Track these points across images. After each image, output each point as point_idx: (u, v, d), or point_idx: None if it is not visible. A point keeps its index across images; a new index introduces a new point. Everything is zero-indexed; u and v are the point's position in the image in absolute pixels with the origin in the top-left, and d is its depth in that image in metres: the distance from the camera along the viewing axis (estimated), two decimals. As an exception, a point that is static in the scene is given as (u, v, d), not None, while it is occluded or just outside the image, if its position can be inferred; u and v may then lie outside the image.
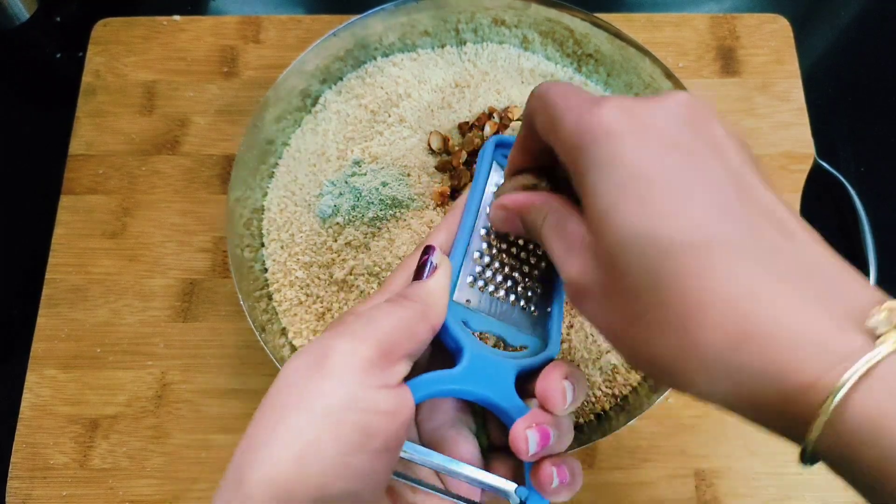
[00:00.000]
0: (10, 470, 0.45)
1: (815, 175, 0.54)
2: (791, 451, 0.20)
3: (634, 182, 0.21)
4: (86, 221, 0.52)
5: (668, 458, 0.46)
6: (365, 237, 0.45)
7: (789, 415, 0.19)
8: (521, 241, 0.33)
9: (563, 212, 0.26)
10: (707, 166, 0.22)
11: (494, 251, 0.32)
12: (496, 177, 0.34)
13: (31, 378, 0.48)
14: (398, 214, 0.45)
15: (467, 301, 0.30)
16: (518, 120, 0.48)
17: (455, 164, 0.46)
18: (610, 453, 0.46)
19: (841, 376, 0.18)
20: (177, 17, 0.59)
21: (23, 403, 0.47)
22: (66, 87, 0.56)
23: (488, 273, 0.31)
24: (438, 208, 0.46)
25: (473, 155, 0.47)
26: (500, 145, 0.34)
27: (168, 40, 0.58)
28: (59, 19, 0.60)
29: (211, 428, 0.46)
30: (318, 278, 0.46)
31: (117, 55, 0.57)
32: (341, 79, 0.52)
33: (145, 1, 0.61)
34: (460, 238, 0.31)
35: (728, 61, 0.57)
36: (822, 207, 0.54)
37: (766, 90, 0.56)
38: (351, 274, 0.44)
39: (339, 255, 0.45)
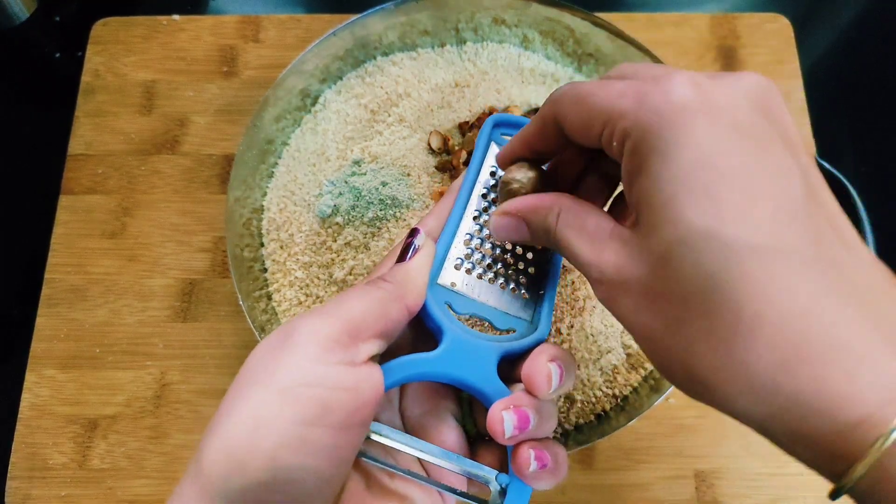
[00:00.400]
0: (9, 470, 0.45)
1: (816, 175, 0.54)
2: (791, 451, 0.20)
3: (702, 171, 0.20)
4: (85, 221, 0.52)
5: (668, 459, 0.46)
6: (365, 237, 0.45)
7: (832, 448, 0.18)
8: None
9: (580, 208, 0.25)
10: (779, 161, 0.20)
11: (486, 232, 0.31)
12: (493, 158, 0.33)
13: (30, 378, 0.48)
14: (398, 214, 0.45)
15: (452, 284, 0.30)
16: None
17: (455, 164, 0.46)
18: (609, 454, 0.46)
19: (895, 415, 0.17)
20: (176, 17, 0.59)
21: (22, 403, 0.47)
22: (66, 87, 0.56)
23: (477, 255, 0.31)
24: (438, 208, 0.46)
25: (473, 155, 0.47)
26: (499, 124, 0.33)
27: (167, 40, 0.58)
28: (58, 19, 0.60)
29: (210, 428, 0.46)
30: (318, 278, 0.45)
31: (117, 55, 0.57)
32: (341, 78, 0.52)
33: (145, 1, 0.61)
34: (451, 221, 0.31)
35: (729, 61, 0.57)
36: (823, 207, 0.54)
37: (766, 90, 0.56)
38: (350, 274, 0.44)
39: (338, 255, 0.45)
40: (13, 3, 0.59)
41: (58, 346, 0.48)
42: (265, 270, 0.47)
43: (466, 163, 0.46)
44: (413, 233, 0.29)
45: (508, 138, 0.33)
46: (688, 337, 0.20)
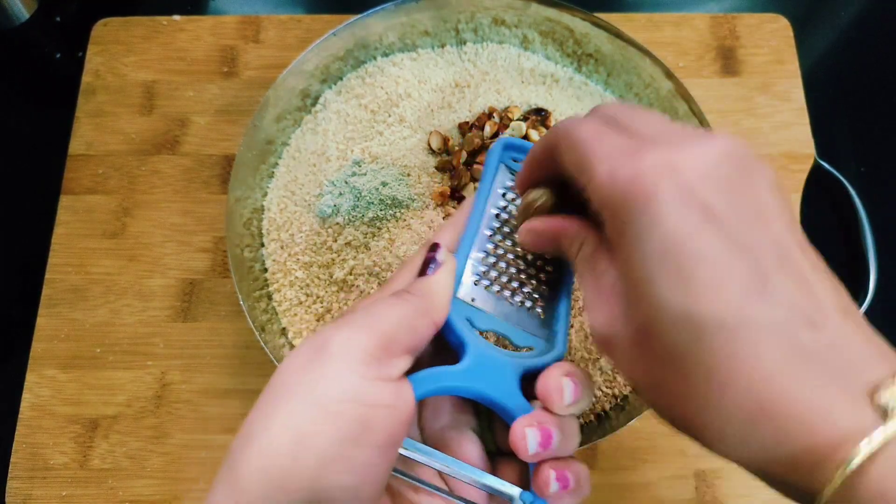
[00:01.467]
0: (9, 470, 0.45)
1: (815, 175, 0.54)
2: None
3: (674, 255, 0.21)
4: (85, 221, 0.52)
5: (669, 459, 0.46)
6: (365, 237, 0.45)
7: (802, 487, 0.20)
8: None
9: (597, 248, 0.26)
10: (749, 238, 0.21)
11: (501, 251, 0.32)
12: (502, 177, 0.33)
13: (30, 378, 0.48)
14: (398, 214, 0.45)
15: (472, 300, 0.30)
16: (518, 119, 0.48)
17: (455, 164, 0.46)
18: (610, 454, 0.46)
19: (850, 452, 0.19)
20: (177, 17, 0.59)
21: (22, 403, 0.47)
22: (66, 87, 0.56)
23: (494, 273, 0.31)
24: (438, 208, 0.46)
25: (473, 155, 0.47)
26: (509, 147, 0.34)
27: (168, 40, 0.58)
28: (58, 19, 0.60)
29: (211, 428, 0.46)
30: (318, 278, 0.45)
31: (117, 55, 0.57)
32: (341, 78, 0.52)
33: (145, 1, 0.61)
34: (466, 237, 0.31)
35: (728, 61, 0.57)
36: (822, 207, 0.54)
37: (766, 90, 0.56)
38: (351, 274, 0.44)
39: (339, 255, 0.45)
40: (13, 4, 0.59)
41: (58, 346, 0.48)
42: (265, 270, 0.47)
43: (466, 163, 0.46)
44: (434, 247, 0.29)
45: (516, 162, 0.34)
46: (668, 393, 0.23)
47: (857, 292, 0.50)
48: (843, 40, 0.61)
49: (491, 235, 0.32)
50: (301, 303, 0.46)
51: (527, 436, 0.25)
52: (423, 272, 0.28)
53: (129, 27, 0.58)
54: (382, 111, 0.50)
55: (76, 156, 0.54)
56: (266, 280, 0.47)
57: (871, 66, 0.60)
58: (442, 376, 0.27)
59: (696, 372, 0.21)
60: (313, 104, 0.51)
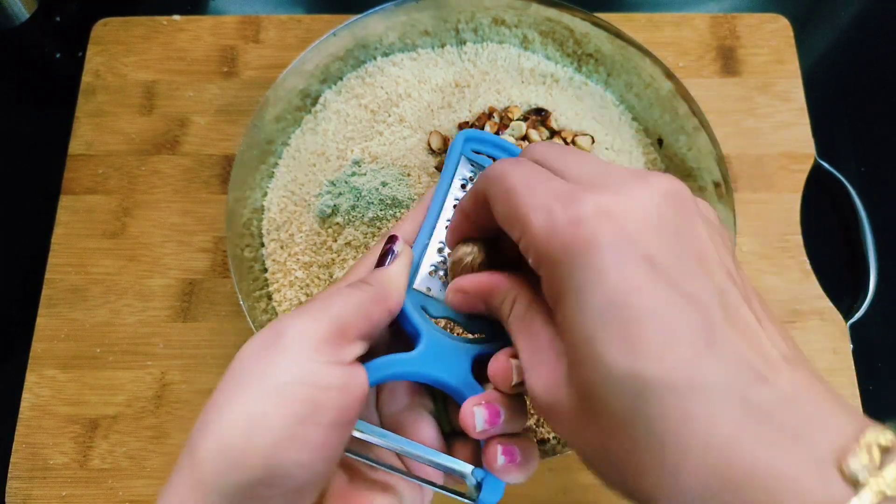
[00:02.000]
0: (9, 470, 0.45)
1: (815, 175, 0.54)
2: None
3: (617, 311, 0.20)
4: (85, 221, 0.52)
5: (669, 459, 0.46)
6: (365, 237, 0.45)
7: None
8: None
9: (530, 306, 0.25)
10: (692, 290, 0.20)
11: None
12: (463, 170, 0.34)
13: (30, 378, 0.48)
14: (398, 214, 0.45)
15: (428, 289, 0.31)
16: (518, 119, 0.48)
17: (455, 164, 0.46)
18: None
19: None
20: (177, 17, 0.59)
21: (22, 403, 0.47)
22: (66, 87, 0.56)
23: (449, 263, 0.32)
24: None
25: (473, 155, 0.47)
26: (471, 140, 0.35)
27: (168, 40, 0.58)
28: (58, 19, 0.60)
29: (211, 428, 0.46)
30: (318, 278, 0.46)
31: (117, 55, 0.57)
32: (341, 79, 0.52)
33: (145, 1, 0.61)
34: (424, 229, 0.32)
35: (728, 61, 0.57)
36: (822, 207, 0.54)
37: (766, 90, 0.56)
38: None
39: (338, 255, 0.45)
40: (13, 4, 0.59)
41: (58, 346, 0.48)
42: (265, 270, 0.47)
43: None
44: (392, 239, 0.30)
45: (479, 154, 0.35)
46: (620, 466, 0.21)
47: (857, 292, 0.50)
48: (843, 40, 0.61)
49: (447, 226, 0.32)
50: (301, 303, 0.46)
51: (475, 414, 0.26)
52: (380, 263, 0.29)
53: (129, 27, 0.58)
54: (382, 111, 0.50)
55: (76, 156, 0.54)
56: (266, 280, 0.47)
57: (871, 66, 0.60)
58: (396, 363, 0.28)
59: (648, 440, 0.20)
60: (313, 104, 0.51)
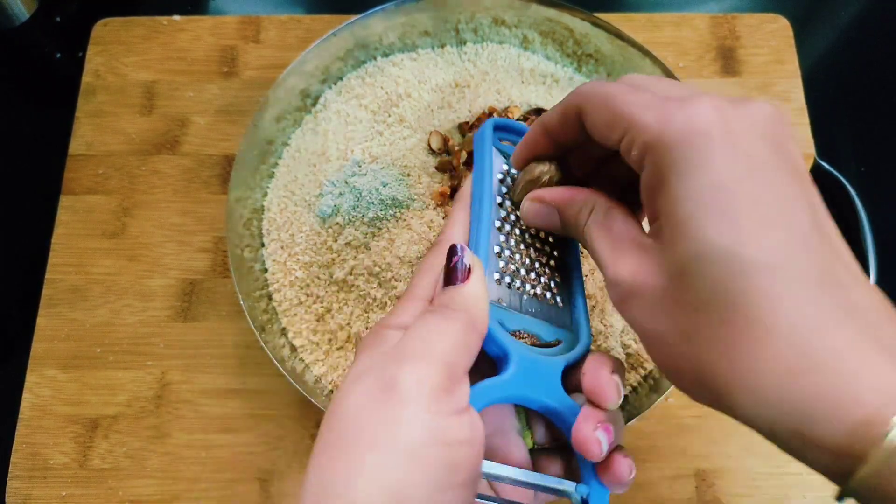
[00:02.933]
0: (9, 470, 0.45)
1: (815, 175, 0.53)
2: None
3: (720, 193, 0.21)
4: (85, 221, 0.52)
5: (669, 459, 0.46)
6: (365, 237, 0.45)
7: (837, 451, 0.19)
8: (532, 231, 0.31)
9: (610, 208, 0.26)
10: (790, 192, 0.22)
11: (512, 243, 0.30)
12: (498, 162, 0.32)
13: (30, 378, 0.48)
14: (398, 214, 0.45)
15: (499, 300, 0.29)
16: (518, 120, 0.48)
17: (455, 164, 0.46)
18: (610, 453, 0.46)
19: (891, 422, 0.18)
20: (177, 17, 0.59)
21: (23, 403, 0.47)
22: (66, 87, 0.56)
23: (512, 268, 0.30)
24: (438, 208, 0.46)
25: (473, 155, 0.47)
26: (499, 128, 0.33)
27: (168, 40, 0.58)
28: (58, 19, 0.60)
29: (211, 428, 0.46)
30: (318, 278, 0.46)
31: (117, 55, 0.57)
32: (341, 79, 0.52)
33: (145, 1, 0.61)
34: (481, 233, 0.29)
35: (728, 61, 0.57)
36: (823, 207, 0.54)
37: (766, 90, 0.56)
38: (351, 274, 0.44)
39: (339, 255, 0.45)
40: (13, 4, 0.59)
41: (58, 346, 0.48)
42: (265, 270, 0.47)
43: (466, 163, 0.46)
44: (457, 250, 0.27)
45: (508, 143, 0.33)
46: (700, 344, 0.21)
47: (857, 292, 0.50)
48: (843, 40, 0.61)
49: (500, 227, 0.30)
50: (301, 303, 0.46)
51: (599, 440, 0.25)
52: (449, 278, 0.26)
53: (129, 27, 0.58)
54: (382, 111, 0.50)
55: (76, 156, 0.54)
56: (266, 280, 0.47)
57: (871, 66, 0.60)
58: (495, 389, 0.26)
59: (736, 317, 0.20)
60: (313, 104, 0.51)
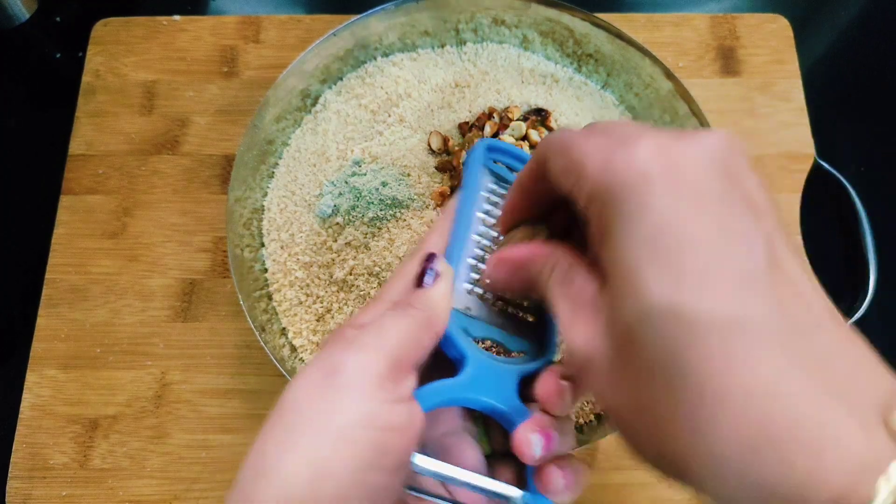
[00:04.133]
0: (9, 470, 0.45)
1: (815, 175, 0.54)
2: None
3: (664, 239, 0.19)
4: (85, 221, 0.52)
5: (669, 459, 0.46)
6: (365, 237, 0.45)
7: None
8: None
9: (571, 265, 0.25)
10: (741, 228, 0.20)
11: (490, 257, 0.31)
12: (485, 180, 0.33)
13: (30, 378, 0.48)
14: (398, 214, 0.45)
15: (467, 308, 0.30)
16: (518, 119, 0.48)
17: (455, 164, 0.46)
18: (610, 453, 0.46)
19: (871, 488, 0.17)
20: (177, 17, 0.59)
21: (23, 403, 0.47)
22: (66, 87, 0.56)
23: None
24: (438, 208, 0.46)
25: (473, 155, 0.47)
26: (491, 150, 0.34)
27: (168, 40, 0.58)
28: (58, 19, 0.60)
29: (211, 428, 0.46)
30: (318, 278, 0.46)
31: (117, 55, 0.57)
32: (341, 79, 0.52)
33: (145, 1, 0.61)
34: (457, 244, 0.30)
35: (728, 61, 0.57)
36: (822, 207, 0.54)
37: (766, 90, 0.56)
38: (351, 274, 0.44)
39: (339, 255, 0.45)
40: (13, 4, 0.59)
41: (58, 346, 0.48)
42: (265, 270, 0.47)
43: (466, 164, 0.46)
44: (430, 258, 0.28)
45: (500, 164, 0.34)
46: (654, 417, 0.20)
47: (857, 292, 0.50)
48: (843, 40, 0.61)
49: (478, 242, 0.31)
50: (301, 303, 0.46)
51: (532, 442, 0.25)
52: (419, 282, 0.28)
53: (129, 27, 0.58)
54: (382, 111, 0.50)
55: (76, 156, 0.54)
56: (266, 280, 0.47)
57: (871, 66, 0.60)
58: (446, 389, 0.27)
59: (685, 387, 0.19)
60: (313, 104, 0.51)
